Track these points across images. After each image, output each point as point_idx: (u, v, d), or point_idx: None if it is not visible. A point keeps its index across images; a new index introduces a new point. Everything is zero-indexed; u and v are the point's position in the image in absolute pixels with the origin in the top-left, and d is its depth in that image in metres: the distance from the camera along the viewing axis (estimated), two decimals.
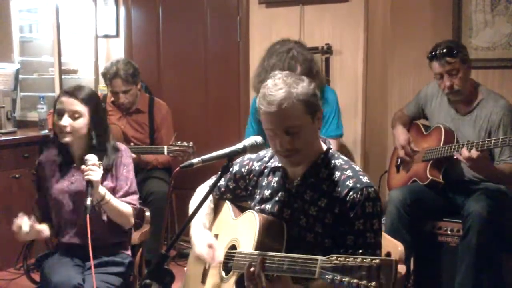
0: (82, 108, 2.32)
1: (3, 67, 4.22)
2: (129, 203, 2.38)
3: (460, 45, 2.93)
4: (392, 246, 1.94)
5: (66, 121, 2.29)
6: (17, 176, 3.87)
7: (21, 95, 4.66)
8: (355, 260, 1.33)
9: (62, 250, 2.40)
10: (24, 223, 2.23)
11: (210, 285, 1.89)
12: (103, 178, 2.31)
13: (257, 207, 1.89)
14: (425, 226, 2.90)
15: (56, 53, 4.28)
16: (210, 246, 1.82)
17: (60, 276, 2.21)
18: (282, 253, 1.62)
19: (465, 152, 2.61)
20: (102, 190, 2.24)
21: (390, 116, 3.45)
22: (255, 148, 1.75)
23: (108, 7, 4.61)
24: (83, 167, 2.19)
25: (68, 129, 2.30)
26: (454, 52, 2.78)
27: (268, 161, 1.92)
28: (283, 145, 1.69)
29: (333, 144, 3.02)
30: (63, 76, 4.35)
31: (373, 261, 1.30)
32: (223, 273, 1.84)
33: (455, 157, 2.70)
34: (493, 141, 2.58)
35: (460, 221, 2.77)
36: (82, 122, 2.32)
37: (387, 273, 1.29)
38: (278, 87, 1.68)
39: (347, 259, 1.35)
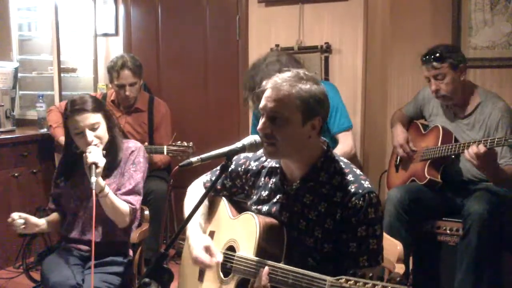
0: (97, 117, 2.35)
1: (2, 65, 4.22)
2: (128, 202, 2.37)
3: (453, 49, 2.89)
4: (391, 245, 1.94)
5: (90, 135, 2.32)
6: (16, 174, 3.87)
7: (20, 94, 4.66)
8: (366, 285, 1.30)
9: (63, 249, 2.41)
10: (16, 215, 2.27)
11: (209, 285, 1.88)
12: (110, 174, 2.37)
13: (254, 208, 1.87)
14: (424, 226, 2.89)
15: (55, 51, 4.28)
16: (207, 249, 1.80)
17: (59, 275, 2.21)
18: (288, 266, 1.59)
19: (473, 147, 2.58)
20: (102, 182, 2.26)
21: (389, 115, 3.45)
22: (254, 147, 1.74)
23: (107, 5, 4.60)
24: (85, 154, 2.25)
25: (95, 142, 2.32)
26: (442, 57, 2.79)
27: (265, 161, 1.89)
28: (262, 127, 1.68)
29: (348, 138, 3.05)
30: (62, 75, 4.35)
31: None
32: (221, 274, 1.84)
33: (465, 155, 2.66)
34: (496, 140, 2.55)
35: (459, 220, 2.78)
36: (103, 129, 2.37)
37: None
38: (290, 77, 1.69)
39: (357, 283, 1.31)
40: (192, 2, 4.27)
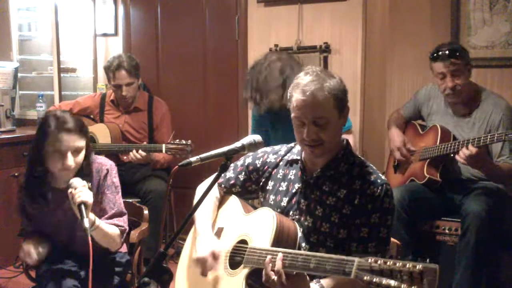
0: (82, 143, 2.20)
1: (2, 65, 4.22)
2: (117, 225, 2.26)
3: (463, 47, 2.91)
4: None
5: (71, 160, 2.15)
6: (16, 174, 3.87)
7: (20, 94, 4.66)
8: (396, 264, 1.31)
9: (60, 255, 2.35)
10: (31, 250, 2.20)
11: (213, 279, 1.87)
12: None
13: (271, 198, 1.92)
14: (423, 225, 2.90)
15: (55, 51, 4.28)
16: (215, 256, 1.82)
17: (65, 284, 2.18)
18: (308, 252, 1.64)
19: (464, 150, 2.61)
20: (91, 216, 2.11)
21: (388, 115, 3.45)
22: (253, 146, 1.77)
23: (107, 5, 4.61)
24: (70, 190, 2.07)
25: (73, 167, 2.18)
26: (459, 53, 2.79)
27: (285, 155, 1.96)
28: (309, 135, 1.74)
29: (350, 138, 3.06)
30: (62, 75, 4.36)
31: (416, 267, 1.28)
32: (229, 267, 1.83)
33: (456, 158, 2.69)
34: (489, 136, 2.57)
35: (457, 220, 2.78)
36: (82, 155, 2.21)
37: (430, 280, 1.26)
38: (312, 78, 1.74)
39: (387, 263, 1.33)
40: (191, 2, 4.27)
